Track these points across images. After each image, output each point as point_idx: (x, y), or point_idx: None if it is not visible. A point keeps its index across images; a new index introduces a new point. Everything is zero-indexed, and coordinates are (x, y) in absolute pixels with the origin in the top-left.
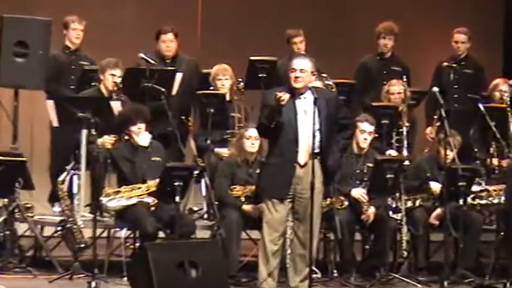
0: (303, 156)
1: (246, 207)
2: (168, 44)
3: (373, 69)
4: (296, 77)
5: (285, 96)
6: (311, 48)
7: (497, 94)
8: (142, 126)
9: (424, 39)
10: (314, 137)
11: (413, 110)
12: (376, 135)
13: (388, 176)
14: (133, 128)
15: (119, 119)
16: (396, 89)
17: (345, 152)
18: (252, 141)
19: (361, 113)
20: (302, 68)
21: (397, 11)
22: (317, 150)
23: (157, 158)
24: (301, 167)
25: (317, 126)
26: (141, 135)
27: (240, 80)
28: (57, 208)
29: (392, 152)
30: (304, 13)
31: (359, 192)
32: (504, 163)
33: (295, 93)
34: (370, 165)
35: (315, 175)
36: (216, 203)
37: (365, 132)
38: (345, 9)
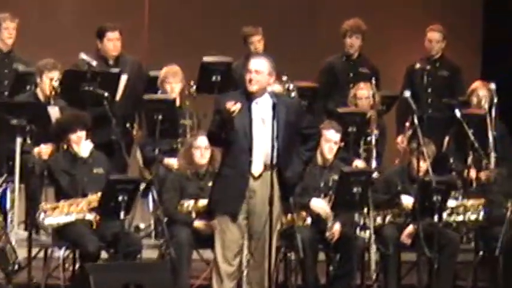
0: (257, 167)
1: (198, 224)
2: (115, 42)
3: (339, 71)
4: (251, 79)
5: (235, 107)
6: (270, 49)
7: (475, 99)
8: (83, 134)
9: (394, 38)
10: (273, 146)
11: (383, 117)
12: (342, 144)
13: (355, 189)
14: (73, 137)
15: (57, 126)
16: (364, 93)
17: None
18: (201, 151)
19: (325, 119)
20: (258, 69)
21: (366, 8)
22: (274, 161)
23: (100, 170)
24: (256, 178)
25: (275, 135)
26: (81, 145)
27: (192, 83)
28: None
29: (359, 163)
30: (263, 11)
31: (320, 206)
32: (483, 175)
33: (250, 97)
34: (335, 177)
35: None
36: (165, 219)
37: (331, 141)
38: (309, 7)
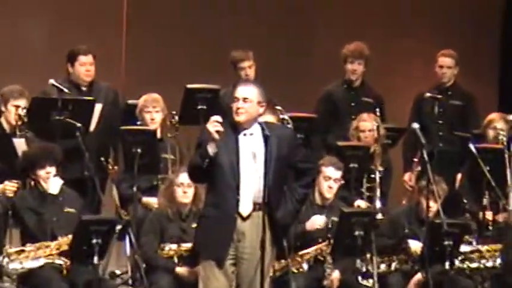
0: (246, 206)
1: (180, 270)
2: (88, 67)
3: (339, 100)
4: (238, 108)
5: (217, 125)
6: (263, 75)
7: (491, 132)
8: (52, 170)
9: (401, 64)
10: (265, 184)
11: (389, 152)
12: (343, 182)
13: (357, 232)
14: (41, 173)
15: (24, 160)
16: (367, 125)
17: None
18: (184, 188)
19: (324, 154)
20: (246, 97)
21: (367, 31)
22: (262, 200)
23: (71, 210)
24: (244, 219)
25: (261, 171)
26: (51, 181)
27: (174, 113)
28: None
29: (362, 203)
30: (253, 33)
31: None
32: (500, 217)
33: (238, 129)
34: (335, 219)
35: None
36: (144, 265)
37: (330, 179)
38: (301, 29)
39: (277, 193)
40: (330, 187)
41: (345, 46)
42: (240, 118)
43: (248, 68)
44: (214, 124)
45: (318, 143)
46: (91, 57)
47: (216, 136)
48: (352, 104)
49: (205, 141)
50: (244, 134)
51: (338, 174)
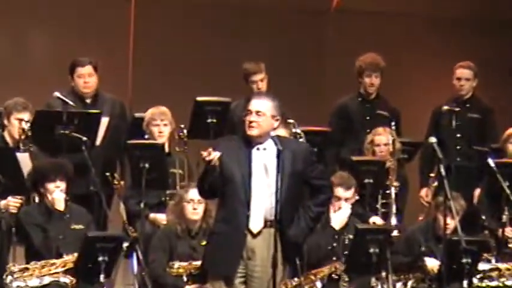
0: (256, 223)
1: None
2: (86, 79)
3: (354, 113)
4: (251, 122)
5: (212, 155)
6: (276, 89)
7: (510, 146)
8: (62, 185)
9: (416, 76)
10: (277, 200)
11: (405, 166)
12: (357, 197)
13: (372, 250)
14: (50, 186)
15: (35, 172)
16: (383, 139)
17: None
18: (194, 205)
19: (338, 169)
20: (259, 110)
21: (381, 42)
22: (274, 217)
23: (79, 226)
24: (254, 236)
25: (279, 186)
26: (57, 196)
27: (183, 126)
28: None
29: (377, 220)
30: (264, 45)
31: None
32: None
33: (251, 143)
34: (350, 236)
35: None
36: (152, 283)
37: (340, 200)
38: (314, 41)
39: (289, 210)
40: (340, 207)
41: (358, 58)
42: (252, 132)
43: (260, 81)
44: (208, 157)
45: (332, 158)
46: (90, 68)
47: (217, 163)
48: (367, 118)
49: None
50: (257, 149)
51: (348, 193)
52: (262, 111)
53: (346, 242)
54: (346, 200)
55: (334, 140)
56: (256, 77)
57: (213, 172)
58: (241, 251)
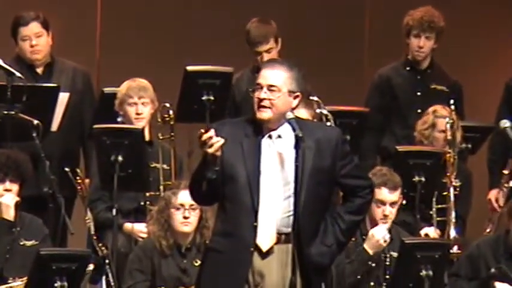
0: (266, 237)
1: None
2: (33, 40)
3: (400, 87)
4: (261, 100)
5: (216, 140)
6: (296, 55)
7: None
8: (14, 188)
9: (478, 44)
10: (296, 204)
11: (468, 160)
12: (404, 202)
13: (424, 272)
14: None
15: None
16: (440, 122)
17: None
18: (184, 212)
19: (378, 163)
20: (272, 84)
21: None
22: (291, 229)
23: (30, 242)
24: (264, 255)
25: (292, 187)
26: (5, 201)
27: (168, 105)
28: None
29: (430, 231)
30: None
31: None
32: None
33: (261, 129)
34: (394, 254)
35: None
36: None
37: (384, 205)
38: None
39: (312, 220)
40: (385, 215)
41: (408, 13)
42: (263, 115)
43: (265, 53)
44: (210, 142)
45: (370, 147)
46: (36, 25)
47: (218, 153)
48: (418, 93)
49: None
50: (269, 136)
51: (395, 196)
52: (277, 86)
53: (389, 261)
54: (392, 204)
55: (373, 123)
56: (261, 47)
57: (213, 165)
58: (246, 274)
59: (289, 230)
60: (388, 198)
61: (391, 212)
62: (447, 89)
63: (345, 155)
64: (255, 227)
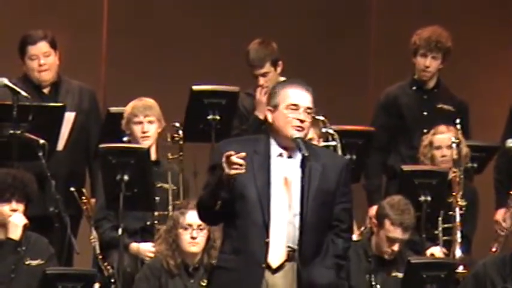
0: (277, 254)
1: None
2: (41, 60)
3: (406, 107)
4: (302, 121)
5: (237, 159)
6: (299, 74)
7: None
8: (20, 208)
9: (484, 61)
10: (302, 220)
11: (474, 179)
12: None
13: None
14: (3, 208)
15: None
16: (446, 140)
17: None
18: (192, 232)
19: (383, 182)
20: (310, 107)
21: (440, 14)
22: (296, 246)
23: (36, 262)
24: (274, 271)
25: (297, 206)
26: (15, 221)
27: (178, 125)
28: None
29: (436, 251)
30: (284, 21)
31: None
32: None
33: (269, 147)
34: (400, 275)
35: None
36: None
37: (395, 243)
38: (355, 12)
39: (315, 239)
40: (393, 250)
41: (415, 32)
42: (299, 135)
43: (261, 76)
44: (234, 165)
45: (376, 166)
46: (45, 45)
47: (235, 173)
48: (424, 113)
49: (217, 171)
50: (280, 155)
51: (407, 235)
52: (312, 108)
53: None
54: (402, 241)
55: (379, 142)
56: (256, 70)
57: (229, 186)
58: None
59: (296, 247)
60: (400, 237)
61: (399, 246)
62: (453, 108)
63: (346, 184)
64: (267, 244)
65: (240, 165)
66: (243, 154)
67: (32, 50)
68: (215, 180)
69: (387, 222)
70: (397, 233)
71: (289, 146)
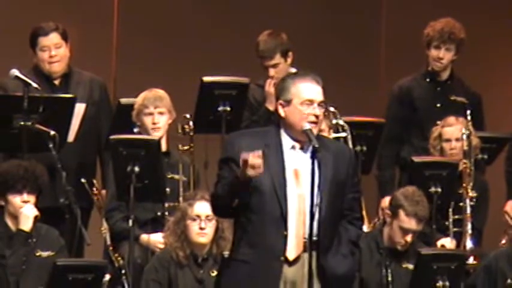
0: (293, 247)
1: None
2: (52, 51)
3: (420, 99)
4: (317, 116)
5: (256, 159)
6: (310, 64)
7: None
8: (31, 199)
9: (498, 55)
10: (312, 214)
11: (485, 171)
12: None
13: (441, 282)
14: (15, 200)
15: None
16: (455, 132)
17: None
18: (201, 223)
19: (396, 174)
20: (323, 100)
21: (453, 8)
22: (315, 238)
23: (47, 253)
24: (290, 264)
25: (315, 193)
26: (27, 213)
27: (188, 116)
28: None
29: (447, 242)
30: (295, 13)
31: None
32: None
33: (280, 139)
34: (410, 266)
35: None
36: None
37: (408, 233)
38: (366, 2)
39: (330, 229)
40: (406, 241)
41: (429, 24)
42: (314, 130)
43: (272, 67)
44: (256, 161)
45: (389, 158)
46: (56, 36)
47: (255, 174)
48: (438, 105)
49: (231, 167)
50: (293, 147)
51: (421, 225)
52: (324, 102)
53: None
54: (415, 232)
55: (392, 134)
56: (266, 62)
57: (248, 186)
58: (278, 283)
59: (314, 238)
60: (414, 228)
61: (412, 237)
62: (467, 100)
63: (354, 174)
64: (285, 236)
65: (257, 165)
66: (260, 153)
67: (44, 41)
68: (232, 181)
69: (402, 213)
70: (411, 224)
71: (302, 139)
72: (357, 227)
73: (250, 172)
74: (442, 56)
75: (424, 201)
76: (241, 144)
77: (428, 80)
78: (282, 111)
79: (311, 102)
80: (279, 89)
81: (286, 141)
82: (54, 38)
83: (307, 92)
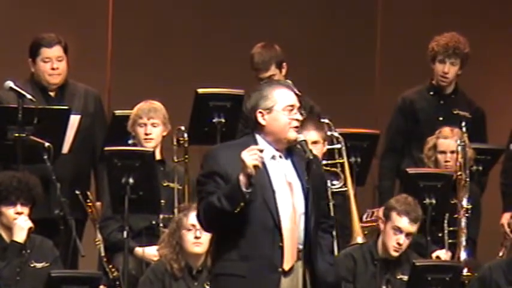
0: (289, 257)
1: None
2: (54, 64)
3: (423, 112)
4: (299, 121)
5: (258, 158)
6: (304, 75)
7: None
8: (25, 211)
9: (499, 70)
10: (307, 222)
11: (480, 182)
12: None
13: None
14: (9, 212)
15: None
16: (450, 144)
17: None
18: (196, 233)
19: (395, 185)
20: (300, 106)
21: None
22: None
23: (41, 264)
24: (286, 274)
25: (301, 206)
26: (21, 224)
27: (183, 128)
28: None
29: (441, 254)
30: (289, 23)
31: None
32: None
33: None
34: (405, 277)
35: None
36: None
37: (401, 233)
38: (361, 12)
39: (315, 238)
40: (400, 244)
41: (433, 39)
42: (297, 135)
43: (267, 79)
44: (254, 156)
45: (389, 168)
46: (59, 49)
47: (253, 172)
48: (440, 118)
49: (226, 177)
50: (273, 157)
51: (413, 228)
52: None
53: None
54: (408, 235)
55: (393, 145)
56: (262, 74)
57: (249, 184)
58: None
59: (302, 247)
60: (406, 228)
61: (405, 242)
62: (469, 114)
63: (325, 181)
64: (281, 247)
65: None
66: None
67: (47, 52)
68: (233, 188)
69: (393, 214)
70: (403, 222)
71: (281, 148)
72: (331, 235)
73: (252, 162)
74: (447, 70)
75: (417, 205)
76: (226, 156)
77: (432, 93)
78: (262, 120)
79: (292, 107)
80: (257, 98)
81: (267, 151)
82: (57, 50)
83: (288, 98)
